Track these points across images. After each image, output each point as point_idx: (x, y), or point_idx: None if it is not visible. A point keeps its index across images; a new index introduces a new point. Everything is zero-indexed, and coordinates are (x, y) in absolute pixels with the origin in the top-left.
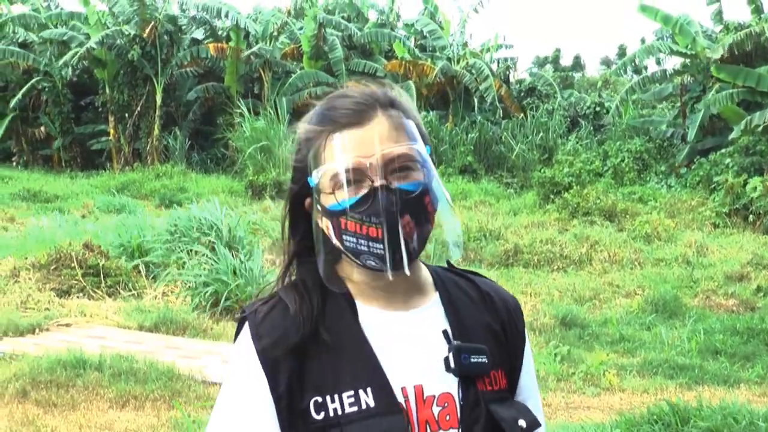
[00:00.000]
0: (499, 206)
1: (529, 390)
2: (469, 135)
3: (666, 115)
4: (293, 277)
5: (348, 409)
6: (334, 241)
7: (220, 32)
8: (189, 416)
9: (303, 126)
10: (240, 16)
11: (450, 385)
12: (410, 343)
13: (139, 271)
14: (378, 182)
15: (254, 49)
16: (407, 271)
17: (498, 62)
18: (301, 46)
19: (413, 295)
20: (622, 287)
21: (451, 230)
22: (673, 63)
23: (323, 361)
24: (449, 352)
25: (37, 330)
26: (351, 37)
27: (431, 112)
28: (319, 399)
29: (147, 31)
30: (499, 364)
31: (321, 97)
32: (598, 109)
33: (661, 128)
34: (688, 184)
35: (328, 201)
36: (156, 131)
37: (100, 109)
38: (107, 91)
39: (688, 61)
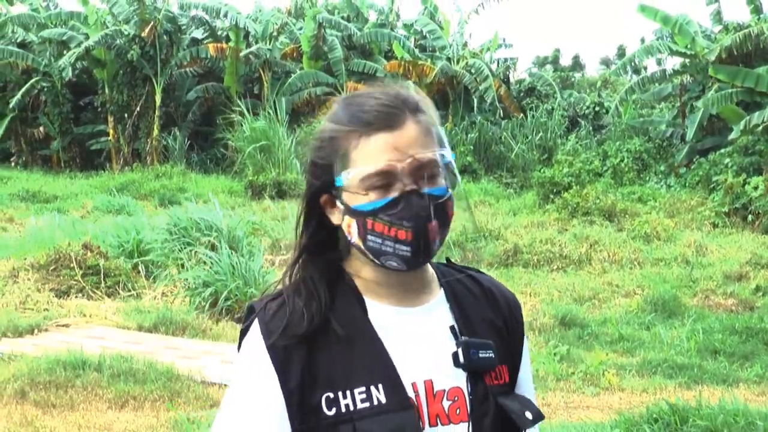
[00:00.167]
0: (498, 206)
1: (527, 384)
2: (469, 135)
3: (665, 115)
4: (299, 274)
5: (360, 405)
6: (354, 239)
7: (219, 32)
8: (188, 417)
9: (330, 125)
10: (240, 16)
11: (459, 379)
12: (419, 339)
13: (139, 272)
14: (409, 186)
15: (253, 48)
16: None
17: (498, 62)
18: (300, 46)
19: (420, 292)
20: (622, 287)
21: (471, 231)
22: (672, 63)
23: (334, 358)
24: (458, 347)
25: (36, 330)
26: (351, 37)
27: None
28: (331, 395)
29: (146, 31)
30: (503, 359)
31: (321, 98)
32: (597, 109)
33: (661, 128)
34: (687, 184)
35: (356, 201)
36: (155, 131)
37: (99, 110)
38: (106, 91)
39: (687, 61)
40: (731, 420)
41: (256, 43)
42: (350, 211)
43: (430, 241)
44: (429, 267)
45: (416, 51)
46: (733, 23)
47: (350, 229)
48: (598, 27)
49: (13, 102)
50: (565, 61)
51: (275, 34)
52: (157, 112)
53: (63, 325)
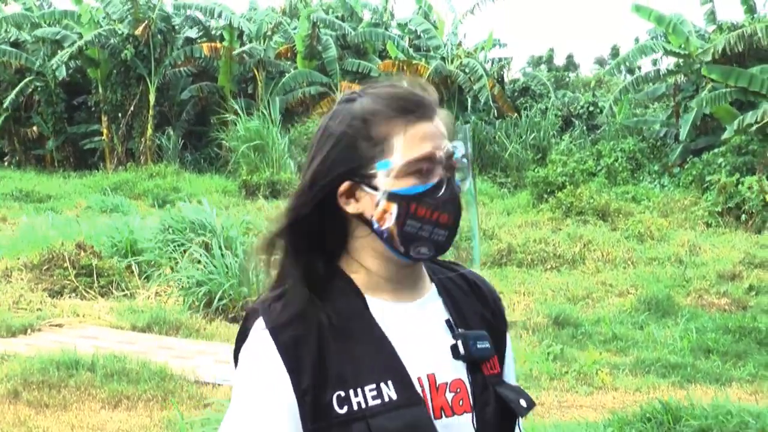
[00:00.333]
0: (492, 206)
1: (512, 372)
2: None
3: (659, 114)
4: (297, 274)
5: (371, 402)
6: (387, 225)
7: (213, 32)
8: (182, 416)
9: (363, 113)
10: (234, 15)
11: (459, 371)
12: (419, 334)
13: (132, 271)
14: (445, 174)
15: (247, 48)
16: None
17: (492, 62)
18: (294, 45)
19: (416, 287)
20: (615, 286)
21: (465, 230)
22: (666, 63)
23: (342, 356)
24: (457, 339)
25: (29, 330)
26: (345, 37)
27: None
28: (342, 393)
29: (140, 30)
30: (495, 349)
31: (315, 97)
32: (591, 109)
33: (655, 128)
34: (681, 184)
35: (398, 185)
36: (149, 131)
37: (93, 109)
38: (100, 90)
39: (681, 61)
40: (723, 419)
41: (250, 42)
42: (391, 196)
43: (458, 229)
44: (422, 262)
45: (410, 50)
46: (727, 23)
47: (386, 214)
48: (593, 27)
49: (6, 101)
50: (559, 60)
51: (269, 33)
52: (150, 112)
53: (56, 325)
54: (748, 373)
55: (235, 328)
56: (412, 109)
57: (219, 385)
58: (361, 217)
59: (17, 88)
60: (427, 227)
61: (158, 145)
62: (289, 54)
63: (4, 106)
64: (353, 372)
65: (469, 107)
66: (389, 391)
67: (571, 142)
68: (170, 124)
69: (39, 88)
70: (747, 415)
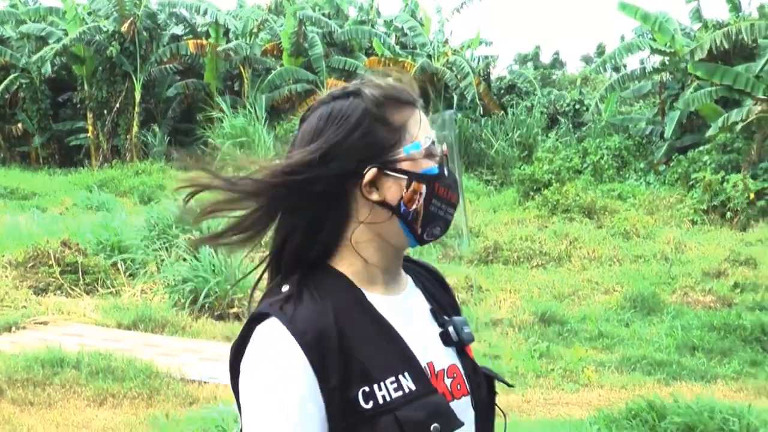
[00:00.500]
0: (479, 203)
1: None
2: None
3: (645, 112)
4: (295, 272)
5: (394, 395)
6: (415, 206)
7: (199, 29)
8: (166, 414)
9: (379, 97)
10: (219, 12)
11: (452, 357)
12: (412, 324)
13: (118, 269)
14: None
15: (233, 45)
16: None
17: (478, 60)
18: (281, 42)
19: (400, 280)
20: (601, 284)
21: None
22: (652, 61)
23: (361, 350)
24: (447, 326)
25: (13, 328)
26: (331, 34)
27: None
28: (367, 388)
29: (126, 27)
30: None
31: (301, 94)
32: (577, 106)
33: (640, 126)
34: (666, 182)
35: (422, 167)
36: (135, 128)
37: (78, 106)
38: (86, 87)
39: (666, 59)
40: (708, 416)
41: (236, 39)
42: (420, 177)
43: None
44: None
45: (397, 48)
46: (712, 21)
47: (415, 195)
48: (579, 24)
49: None
50: (546, 58)
51: (255, 30)
52: (136, 109)
53: (41, 323)
54: (732, 371)
55: (221, 326)
56: (413, 99)
57: (205, 382)
58: (383, 204)
59: (2, 85)
60: (443, 206)
61: (144, 143)
62: (275, 51)
63: None
64: (374, 366)
65: (455, 105)
66: (408, 383)
67: (557, 139)
68: (156, 121)
69: (24, 85)
70: (730, 413)
